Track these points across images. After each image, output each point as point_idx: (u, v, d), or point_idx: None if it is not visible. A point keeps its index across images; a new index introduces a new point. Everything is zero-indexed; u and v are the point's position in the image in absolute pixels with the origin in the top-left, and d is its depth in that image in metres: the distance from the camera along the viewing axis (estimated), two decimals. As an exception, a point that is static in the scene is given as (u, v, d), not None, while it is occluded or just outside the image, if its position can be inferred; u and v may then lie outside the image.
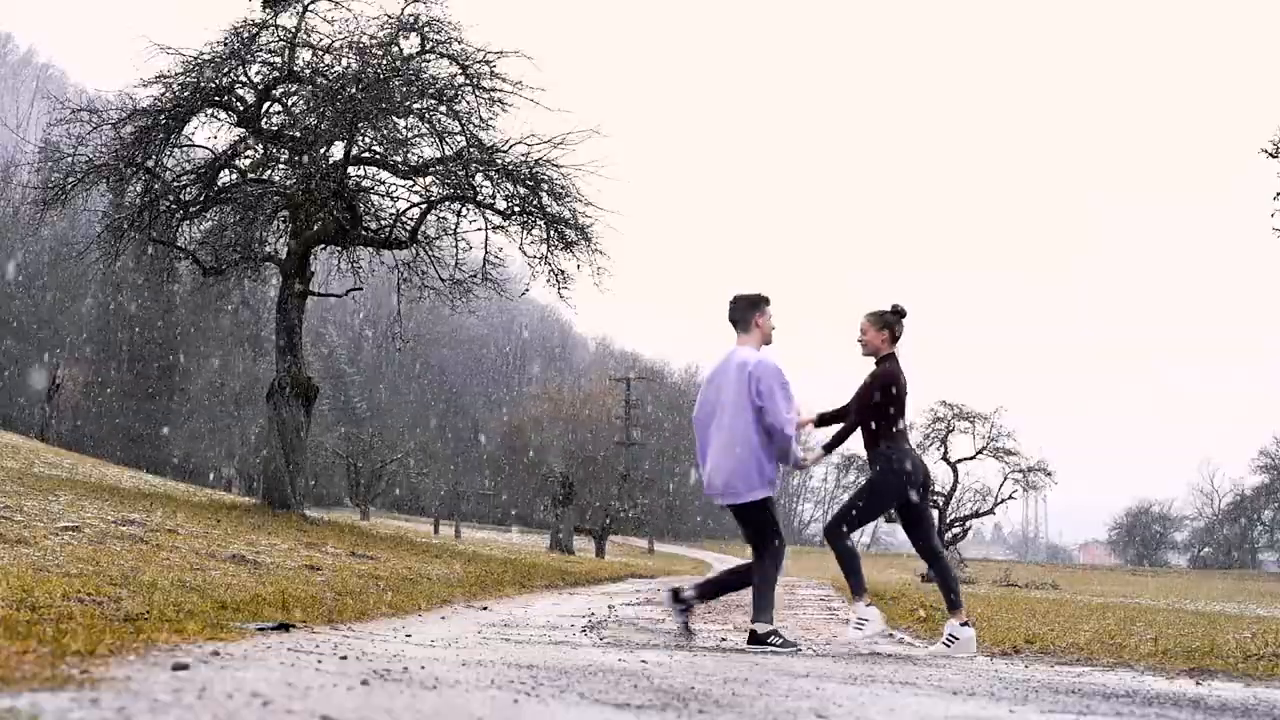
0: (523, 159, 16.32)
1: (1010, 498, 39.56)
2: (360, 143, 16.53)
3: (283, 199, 16.10)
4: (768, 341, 5.89)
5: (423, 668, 3.34)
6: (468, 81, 16.34)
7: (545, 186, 16.36)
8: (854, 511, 5.88)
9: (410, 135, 16.64)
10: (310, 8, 16.29)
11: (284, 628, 4.52)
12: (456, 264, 17.57)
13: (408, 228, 17.14)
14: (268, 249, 17.36)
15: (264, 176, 16.56)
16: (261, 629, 4.38)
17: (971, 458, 38.51)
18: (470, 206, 16.92)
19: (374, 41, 16.08)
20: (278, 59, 16.38)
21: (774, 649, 5.45)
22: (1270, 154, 14.74)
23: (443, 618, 6.72)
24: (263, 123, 16.55)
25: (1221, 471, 78.57)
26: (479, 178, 16.54)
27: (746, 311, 5.86)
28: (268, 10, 16.12)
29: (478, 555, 17.09)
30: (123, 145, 15.63)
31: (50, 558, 6.15)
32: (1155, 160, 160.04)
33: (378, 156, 16.72)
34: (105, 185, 16.14)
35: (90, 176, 15.79)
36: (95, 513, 9.69)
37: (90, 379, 47.36)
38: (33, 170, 24.86)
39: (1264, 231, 15.16)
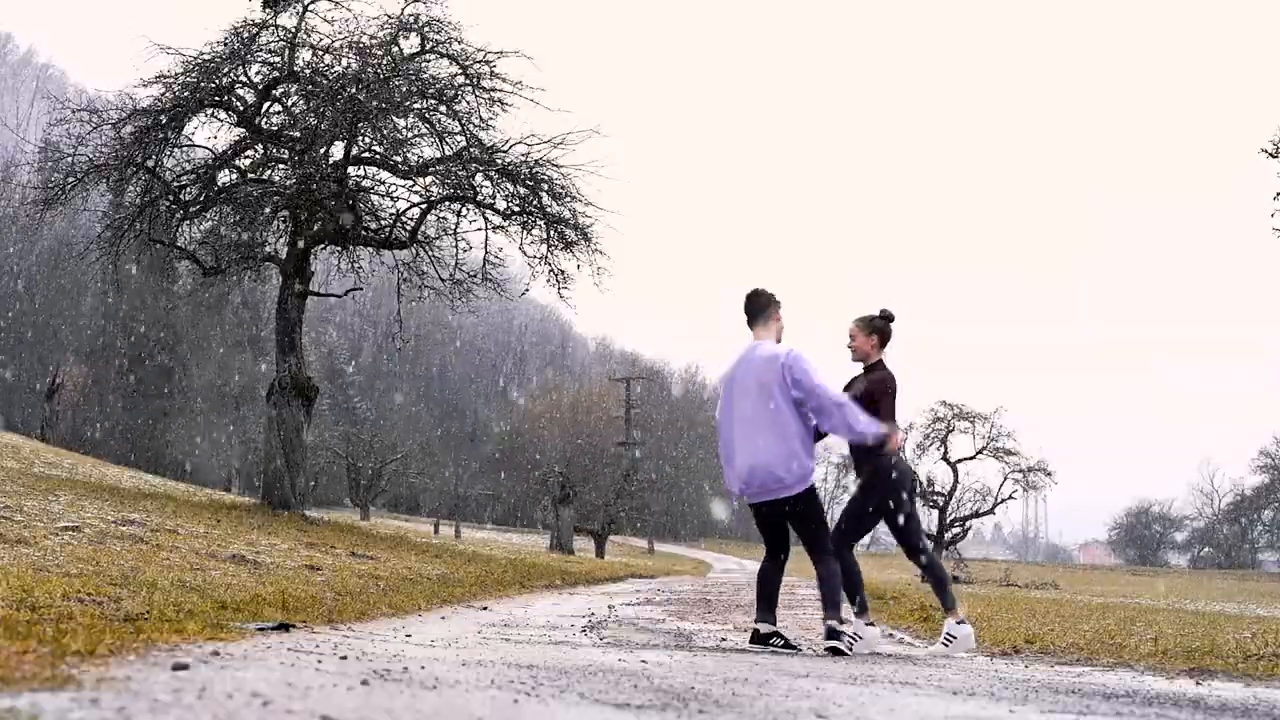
0: (523, 159, 16.32)
1: (1010, 498, 39.50)
2: (360, 143, 16.53)
3: (283, 199, 16.11)
4: (778, 340, 5.84)
5: (423, 668, 3.34)
6: (468, 81, 16.34)
7: (545, 186, 16.36)
8: (849, 524, 5.88)
9: (410, 135, 16.64)
10: (310, 8, 16.29)
11: (284, 628, 4.52)
12: (456, 264, 17.58)
13: (408, 228, 17.14)
14: (268, 249, 17.36)
15: (264, 176, 16.56)
16: (261, 629, 4.38)
17: (971, 458, 38.47)
18: (470, 206, 16.92)
19: (374, 41, 16.07)
20: (278, 59, 16.38)
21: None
22: (1270, 154, 14.72)
23: (443, 618, 6.72)
24: (263, 123, 16.55)
25: (1221, 471, 78.75)
26: (479, 178, 16.54)
27: (766, 306, 5.80)
28: (268, 10, 16.12)
29: (478, 555, 17.09)
30: (123, 145, 15.62)
31: (50, 558, 6.15)
32: (1155, 160, 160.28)
33: (378, 156, 16.72)
34: (105, 185, 16.13)
35: (90, 176, 15.78)
36: (95, 513, 9.69)
37: (90, 379, 47.35)
38: (33, 170, 24.83)
39: (1264, 231, 15.15)
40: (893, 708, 3.15)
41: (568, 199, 16.44)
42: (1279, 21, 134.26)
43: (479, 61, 16.22)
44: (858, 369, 6.08)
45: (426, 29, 16.28)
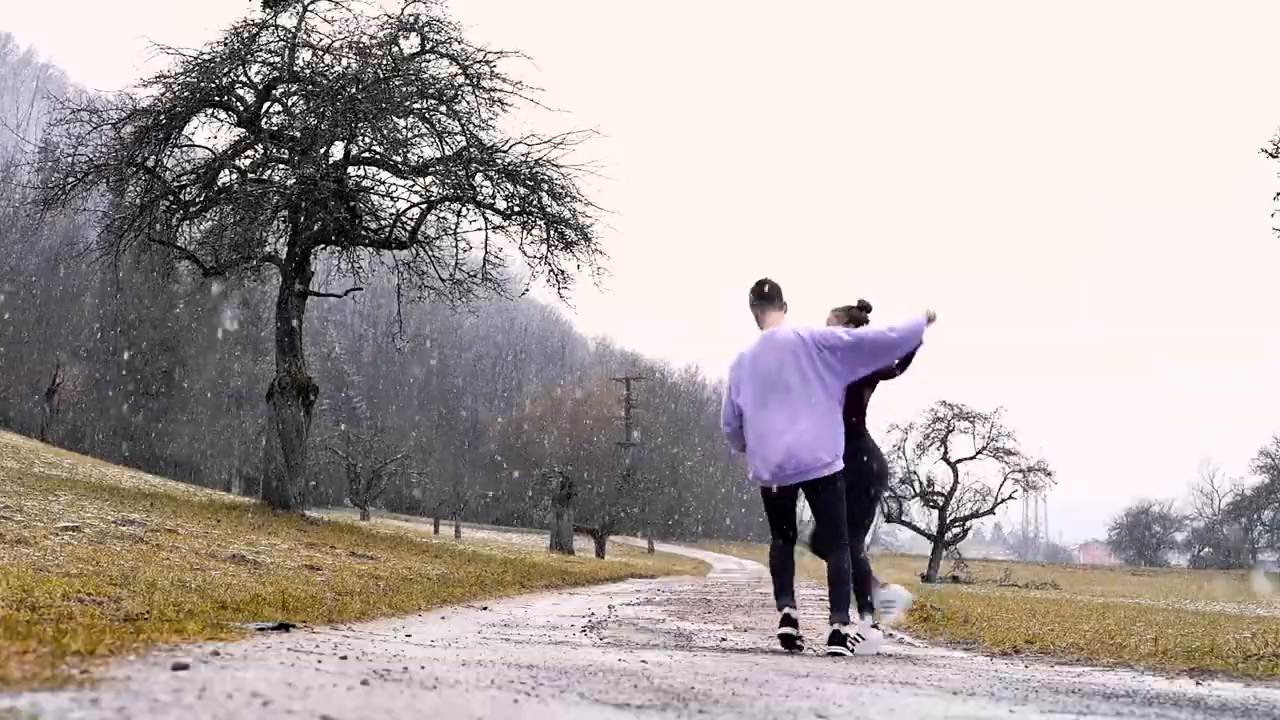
0: (523, 159, 16.32)
1: (1010, 498, 39.56)
2: (360, 143, 16.53)
3: (283, 199, 16.11)
4: None
5: (423, 668, 3.34)
6: (468, 81, 16.34)
7: (545, 186, 16.36)
8: (850, 516, 5.84)
9: (410, 135, 16.64)
10: (310, 8, 16.30)
11: (284, 628, 4.52)
12: (456, 264, 17.58)
13: (408, 228, 17.14)
14: (268, 249, 17.36)
15: (264, 176, 16.56)
16: (261, 629, 4.38)
17: (971, 458, 38.52)
18: (470, 206, 16.92)
19: (374, 41, 16.08)
20: (278, 59, 16.39)
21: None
22: (1270, 154, 14.69)
23: (443, 618, 6.72)
24: (263, 123, 16.55)
25: (1221, 471, 78.57)
26: (479, 178, 16.54)
27: (778, 293, 5.79)
28: (268, 10, 16.13)
29: (478, 555, 17.09)
30: (123, 145, 15.62)
31: (50, 558, 6.15)
32: (1155, 160, 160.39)
33: (378, 156, 16.72)
34: (105, 185, 16.13)
35: (90, 176, 15.78)
36: (95, 513, 9.69)
37: (90, 379, 47.35)
38: (33, 170, 24.85)
39: (1264, 231, 15.11)
40: (893, 708, 3.15)
41: (568, 199, 16.45)
42: (1279, 21, 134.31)
43: (479, 61, 16.23)
44: None
45: (426, 29, 16.29)
